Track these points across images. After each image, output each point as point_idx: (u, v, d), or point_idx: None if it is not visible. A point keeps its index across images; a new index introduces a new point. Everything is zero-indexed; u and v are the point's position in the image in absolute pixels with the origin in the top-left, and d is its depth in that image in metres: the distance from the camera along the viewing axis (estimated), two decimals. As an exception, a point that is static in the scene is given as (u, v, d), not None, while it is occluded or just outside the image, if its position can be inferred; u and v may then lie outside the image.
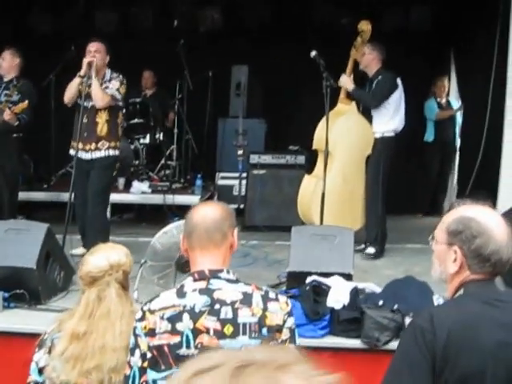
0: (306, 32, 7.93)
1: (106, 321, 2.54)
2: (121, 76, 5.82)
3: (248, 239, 6.51)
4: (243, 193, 7.55)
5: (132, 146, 7.75)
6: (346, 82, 6.22)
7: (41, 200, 7.38)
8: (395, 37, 7.74)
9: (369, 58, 6.20)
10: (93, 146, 5.74)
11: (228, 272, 2.30)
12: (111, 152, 5.81)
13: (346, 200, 6.25)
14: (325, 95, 5.80)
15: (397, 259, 6.05)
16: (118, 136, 5.93)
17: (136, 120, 7.82)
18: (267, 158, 7.39)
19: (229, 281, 2.28)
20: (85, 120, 5.69)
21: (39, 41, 8.32)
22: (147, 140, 7.97)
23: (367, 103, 6.25)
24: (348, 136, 6.31)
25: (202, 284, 2.26)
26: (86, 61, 5.66)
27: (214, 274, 2.27)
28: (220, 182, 7.90)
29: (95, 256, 2.67)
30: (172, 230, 4.48)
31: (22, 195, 7.31)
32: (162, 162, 8.00)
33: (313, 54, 5.89)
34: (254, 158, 7.40)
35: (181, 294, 2.26)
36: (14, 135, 6.35)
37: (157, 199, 7.21)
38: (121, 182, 7.40)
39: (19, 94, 6.22)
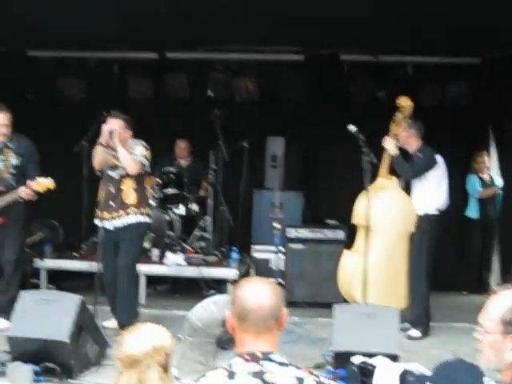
0: (342, 104, 7.98)
1: None
2: (142, 141, 5.90)
3: (289, 315, 6.39)
4: (280, 267, 7.51)
5: (166, 217, 7.73)
6: (390, 145, 6.21)
7: (72, 269, 7.35)
8: (433, 111, 7.76)
9: (406, 136, 6.27)
10: (121, 212, 5.75)
11: (279, 354, 2.23)
12: (141, 218, 5.81)
13: (388, 278, 6.15)
14: (365, 171, 5.78)
15: (443, 338, 5.98)
16: (147, 202, 5.97)
17: (170, 190, 7.84)
18: (305, 232, 7.35)
19: (281, 364, 2.20)
20: (111, 189, 5.76)
21: (71, 106, 8.46)
22: (181, 211, 7.95)
23: (405, 173, 6.24)
24: (390, 212, 6.25)
25: (254, 366, 2.18)
26: (106, 128, 5.75)
27: (266, 357, 2.20)
28: (256, 255, 7.86)
29: (136, 337, 2.57)
30: (210, 306, 4.38)
31: (52, 263, 7.34)
32: (197, 233, 7.97)
33: (352, 129, 5.92)
34: (291, 232, 7.36)
35: (231, 375, 2.17)
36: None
37: (192, 272, 7.17)
38: (155, 253, 7.37)
39: (19, 156, 6.15)
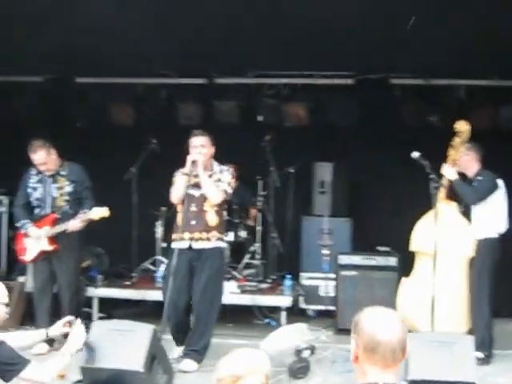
0: (392, 129, 7.97)
1: None
2: (231, 169, 5.98)
3: (344, 343, 6.32)
4: (330, 294, 7.51)
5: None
6: (450, 170, 6.17)
7: (124, 297, 7.36)
8: (486, 135, 7.71)
9: (466, 160, 6.24)
10: (203, 235, 5.74)
11: None
12: (221, 244, 5.87)
13: (449, 304, 6.07)
14: (432, 196, 5.75)
15: (507, 366, 5.87)
16: (225, 227, 6.07)
17: (219, 217, 7.83)
18: (357, 259, 7.31)
19: None
20: (193, 208, 5.73)
21: (120, 133, 8.55)
22: (230, 237, 7.95)
23: (468, 197, 6.19)
24: (450, 237, 6.19)
25: None
26: (190, 158, 5.74)
27: None
28: (305, 283, 7.83)
29: (234, 359, 2.57)
30: (283, 335, 4.36)
31: (105, 292, 7.34)
32: (246, 260, 7.96)
33: (415, 155, 5.89)
34: (343, 259, 7.32)
35: None
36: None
37: (245, 300, 7.15)
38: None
39: (71, 182, 6.28)
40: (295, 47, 6.86)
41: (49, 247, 6.24)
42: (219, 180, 5.81)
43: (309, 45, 6.77)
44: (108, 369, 4.21)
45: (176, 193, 5.83)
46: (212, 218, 5.77)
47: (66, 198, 6.28)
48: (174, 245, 5.80)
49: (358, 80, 8.01)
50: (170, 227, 8.02)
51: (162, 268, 7.69)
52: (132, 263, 7.90)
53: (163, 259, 7.75)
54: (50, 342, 5.61)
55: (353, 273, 7.23)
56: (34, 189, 6.33)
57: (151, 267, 7.99)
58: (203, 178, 5.70)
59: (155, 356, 4.39)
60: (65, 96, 8.58)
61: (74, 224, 6.12)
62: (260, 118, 8.23)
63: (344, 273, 7.26)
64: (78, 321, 4.16)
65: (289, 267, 7.98)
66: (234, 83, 8.32)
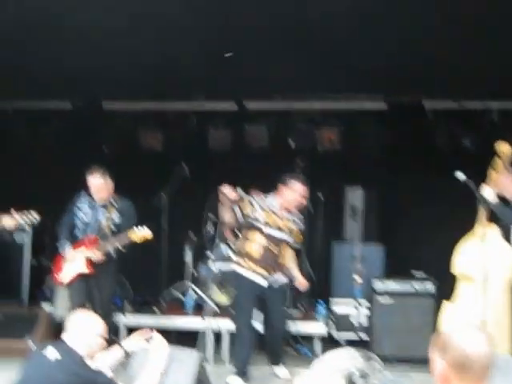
0: (425, 152, 7.89)
1: None
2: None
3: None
4: (362, 320, 7.37)
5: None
6: (490, 192, 6.05)
7: (153, 325, 7.22)
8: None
9: (506, 182, 6.11)
10: (277, 273, 6.19)
11: None
12: (284, 280, 6.32)
13: (492, 328, 5.91)
14: (479, 218, 5.63)
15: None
16: None
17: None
18: (392, 285, 7.17)
19: None
20: (272, 249, 6.09)
21: (149, 158, 8.55)
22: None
23: (508, 219, 6.05)
24: (492, 260, 6.04)
25: None
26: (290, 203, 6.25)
27: None
28: (335, 309, 7.69)
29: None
30: (333, 360, 4.20)
31: (134, 319, 7.28)
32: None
33: (460, 176, 5.77)
34: (378, 284, 7.19)
35: None
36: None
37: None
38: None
39: (120, 214, 6.38)
40: (327, 71, 6.85)
41: (85, 270, 6.26)
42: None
43: (341, 69, 6.75)
44: None
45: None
46: (285, 259, 6.31)
47: (112, 227, 6.36)
48: (245, 272, 6.09)
49: (390, 104, 7.98)
50: (199, 253, 8.01)
51: (191, 294, 7.62)
52: (161, 289, 7.80)
53: (194, 287, 7.68)
54: None
55: (388, 299, 7.10)
56: (84, 212, 6.43)
57: (180, 294, 7.90)
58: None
59: (201, 383, 4.29)
60: (92, 122, 8.62)
61: (114, 244, 6.16)
62: (291, 143, 8.17)
63: (378, 299, 7.13)
64: (157, 335, 4.17)
65: (319, 294, 7.87)
66: (265, 108, 8.32)
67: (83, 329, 4.06)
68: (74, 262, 6.30)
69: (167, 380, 4.06)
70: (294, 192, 6.13)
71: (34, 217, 6.13)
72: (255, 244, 6.13)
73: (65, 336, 4.08)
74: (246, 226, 6.19)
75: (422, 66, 6.44)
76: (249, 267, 6.08)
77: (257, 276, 6.07)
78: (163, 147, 8.56)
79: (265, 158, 8.11)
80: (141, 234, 6.03)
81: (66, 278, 6.38)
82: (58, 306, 7.22)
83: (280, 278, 6.22)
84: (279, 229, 6.13)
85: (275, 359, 6.33)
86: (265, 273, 6.07)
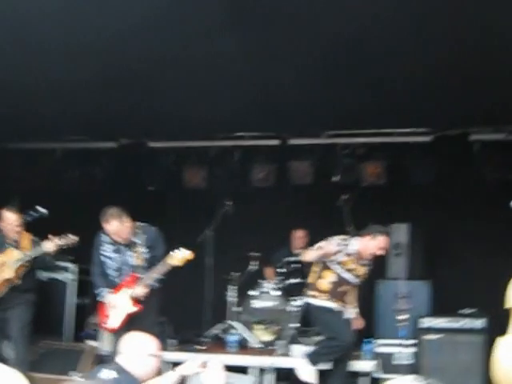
0: (472, 185, 7.77)
1: None
2: None
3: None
4: (404, 361, 7.16)
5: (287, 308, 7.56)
6: None
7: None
8: None
9: None
10: (348, 307, 6.60)
11: None
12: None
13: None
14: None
15: None
16: None
17: (293, 280, 7.69)
18: (440, 322, 7.00)
19: None
20: (342, 289, 6.47)
21: (194, 195, 8.57)
22: (300, 302, 7.75)
23: None
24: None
25: None
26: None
27: None
28: (380, 350, 7.48)
29: None
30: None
31: (176, 356, 7.15)
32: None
33: None
34: (425, 322, 7.02)
35: None
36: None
37: (323, 364, 6.83)
38: (280, 345, 7.14)
39: (148, 248, 6.13)
40: (370, 105, 6.81)
41: (133, 308, 6.06)
42: None
43: (384, 103, 6.72)
44: None
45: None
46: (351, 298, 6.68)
47: (144, 264, 6.12)
48: (329, 304, 6.46)
49: (435, 136, 7.87)
50: (242, 291, 7.95)
51: (234, 332, 7.54)
52: (203, 327, 7.75)
53: (236, 325, 7.61)
54: None
55: (436, 336, 6.93)
56: (110, 258, 6.20)
57: (223, 334, 7.84)
58: None
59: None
60: (137, 160, 8.70)
61: (155, 273, 5.98)
62: (335, 178, 8.14)
63: (426, 337, 6.97)
64: (217, 361, 4.12)
65: (362, 333, 7.72)
66: (308, 144, 8.28)
67: (136, 349, 4.03)
68: (119, 306, 6.11)
69: None
70: (376, 243, 6.42)
71: (72, 238, 6.30)
72: (326, 280, 6.48)
73: (118, 358, 4.06)
74: (323, 265, 6.50)
75: (468, 98, 6.37)
76: (325, 298, 6.44)
77: (332, 304, 6.45)
78: (207, 184, 8.57)
79: (308, 193, 8.06)
80: (180, 256, 5.84)
81: (116, 323, 6.13)
82: (104, 342, 7.20)
83: (348, 312, 6.58)
84: (355, 275, 6.51)
85: None
86: (336, 304, 6.45)
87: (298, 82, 6.27)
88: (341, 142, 8.22)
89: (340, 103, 6.75)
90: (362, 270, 6.54)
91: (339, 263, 6.42)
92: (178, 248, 5.91)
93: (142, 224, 6.23)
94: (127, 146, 8.72)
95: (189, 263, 6.45)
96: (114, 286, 6.16)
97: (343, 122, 7.66)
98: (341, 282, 6.47)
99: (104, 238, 6.19)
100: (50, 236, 6.41)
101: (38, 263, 6.65)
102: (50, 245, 6.35)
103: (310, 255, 6.52)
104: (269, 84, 6.36)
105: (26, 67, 5.92)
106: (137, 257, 6.09)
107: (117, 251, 6.17)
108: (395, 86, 6.24)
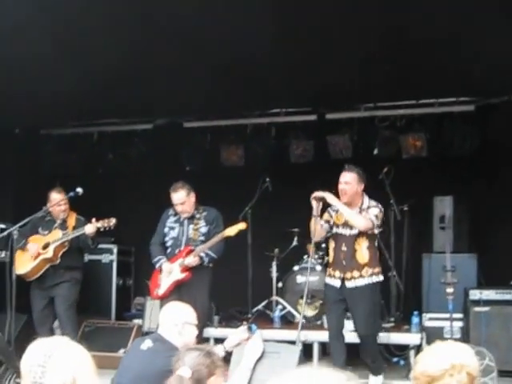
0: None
1: None
2: (380, 205, 6.01)
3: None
4: (455, 335, 7.00)
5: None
6: None
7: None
8: None
9: None
10: (355, 273, 5.87)
11: None
12: (375, 279, 5.94)
13: None
14: None
15: None
16: (378, 262, 6.04)
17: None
18: (490, 294, 6.87)
19: None
20: (343, 248, 5.89)
21: (231, 174, 8.54)
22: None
23: None
24: None
25: None
26: (312, 196, 5.95)
27: None
28: (427, 324, 7.39)
29: (435, 354, 2.37)
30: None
31: (221, 332, 7.14)
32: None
33: None
34: (476, 294, 6.91)
35: None
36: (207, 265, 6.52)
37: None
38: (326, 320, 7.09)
39: (207, 224, 6.51)
40: (409, 75, 6.67)
41: (181, 275, 6.35)
42: (366, 213, 5.90)
43: (423, 72, 6.57)
44: None
45: (312, 234, 6.01)
46: (363, 256, 5.89)
47: (201, 238, 6.48)
48: (328, 279, 6.06)
49: (478, 105, 7.66)
50: (285, 268, 7.91)
51: (278, 308, 7.53)
52: (247, 304, 7.74)
53: (281, 300, 7.60)
54: None
55: (486, 309, 6.81)
56: (171, 228, 6.60)
57: (266, 310, 7.83)
58: (341, 208, 5.83)
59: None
60: (173, 140, 8.70)
61: (208, 244, 6.31)
62: (376, 152, 8.00)
63: (475, 309, 6.85)
64: (258, 332, 4.23)
65: (408, 308, 7.62)
66: (346, 117, 8.14)
67: (173, 317, 4.09)
68: (171, 274, 6.43)
69: (267, 375, 4.00)
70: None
71: (111, 221, 6.59)
72: (330, 250, 6.17)
73: (159, 329, 4.14)
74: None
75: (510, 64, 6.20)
76: (328, 274, 6.10)
77: (331, 279, 6.01)
78: (245, 161, 8.53)
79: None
80: (235, 228, 6.21)
81: (162, 290, 6.48)
82: (148, 320, 7.31)
83: (359, 279, 5.90)
84: (347, 225, 5.93)
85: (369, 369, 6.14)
86: (338, 274, 5.95)
87: (334, 55, 6.17)
88: (379, 115, 8.06)
89: (378, 75, 6.62)
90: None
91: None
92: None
93: (205, 206, 6.68)
94: (163, 127, 8.71)
95: (232, 239, 6.51)
96: (171, 257, 6.49)
97: (381, 95, 7.51)
98: (337, 239, 6.04)
99: (170, 211, 6.64)
100: (92, 219, 6.63)
101: (77, 244, 6.84)
102: (90, 227, 6.57)
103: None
104: (304, 59, 6.26)
105: (65, 54, 5.99)
106: (195, 230, 6.44)
107: (178, 222, 6.56)
108: (433, 54, 6.10)
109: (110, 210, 8.31)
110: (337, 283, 5.94)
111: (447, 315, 7.14)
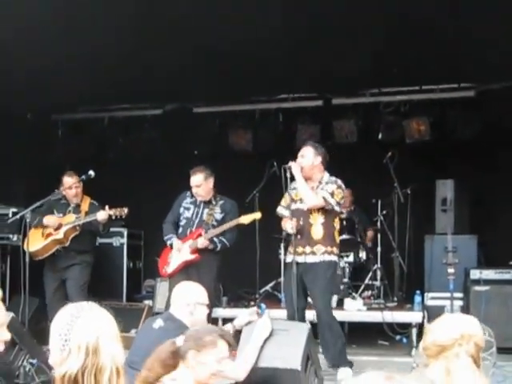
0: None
1: None
2: (339, 181, 5.89)
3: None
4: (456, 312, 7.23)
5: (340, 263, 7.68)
6: None
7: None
8: None
9: None
10: (306, 249, 5.73)
11: None
12: (326, 257, 5.74)
13: None
14: None
15: None
16: (334, 241, 5.86)
17: (344, 236, 7.79)
18: (490, 273, 7.06)
19: None
20: (301, 222, 5.77)
21: (240, 158, 8.71)
22: (351, 258, 7.89)
23: None
24: None
25: None
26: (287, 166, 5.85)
27: None
28: (429, 303, 7.59)
29: (444, 325, 2.52)
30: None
31: (230, 312, 7.35)
32: (367, 281, 7.86)
33: None
34: (476, 274, 7.09)
35: None
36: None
37: (373, 317, 7.03)
38: (333, 299, 7.29)
39: (222, 212, 6.53)
40: (411, 62, 6.83)
41: (190, 256, 6.42)
42: (321, 189, 5.79)
43: (424, 59, 6.73)
44: (265, 368, 4.16)
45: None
46: (317, 231, 5.75)
47: (214, 223, 6.49)
48: (288, 257, 5.94)
49: (478, 91, 7.84)
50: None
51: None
52: (256, 285, 7.93)
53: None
54: None
55: (486, 288, 6.99)
56: (187, 208, 6.61)
57: (273, 291, 8.03)
58: (298, 180, 5.76)
59: (310, 356, 4.34)
60: (183, 125, 8.85)
61: (220, 229, 6.34)
62: (380, 136, 8.17)
63: (476, 288, 7.03)
64: (266, 311, 4.24)
65: (410, 288, 7.83)
66: (351, 103, 8.32)
67: (184, 297, 4.18)
68: (181, 253, 6.48)
69: (276, 352, 4.16)
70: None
71: (122, 210, 6.64)
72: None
73: (170, 308, 4.25)
74: None
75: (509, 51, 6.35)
76: (289, 251, 5.93)
77: (290, 256, 5.82)
78: (253, 146, 8.69)
79: (353, 151, 8.13)
80: (250, 216, 6.25)
81: (171, 268, 6.55)
82: (158, 301, 7.45)
83: (313, 258, 5.71)
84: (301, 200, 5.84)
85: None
86: (294, 250, 5.74)
87: (340, 42, 6.33)
88: (384, 100, 8.24)
89: (381, 61, 6.78)
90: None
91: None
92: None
93: (222, 196, 6.66)
94: (172, 113, 8.87)
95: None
96: (182, 237, 6.53)
97: (386, 81, 7.69)
98: (294, 214, 5.85)
99: (188, 193, 6.63)
100: (105, 207, 6.71)
101: (89, 228, 6.93)
102: (102, 213, 6.67)
103: None
104: (311, 46, 6.43)
105: (73, 42, 6.10)
106: (209, 215, 6.46)
107: (194, 204, 6.57)
108: (436, 42, 6.26)
109: (120, 194, 8.55)
110: (290, 259, 5.81)
111: (448, 294, 7.31)
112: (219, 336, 3.27)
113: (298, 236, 5.74)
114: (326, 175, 5.93)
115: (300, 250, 5.72)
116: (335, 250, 5.84)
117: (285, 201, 6.01)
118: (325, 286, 5.74)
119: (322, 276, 5.70)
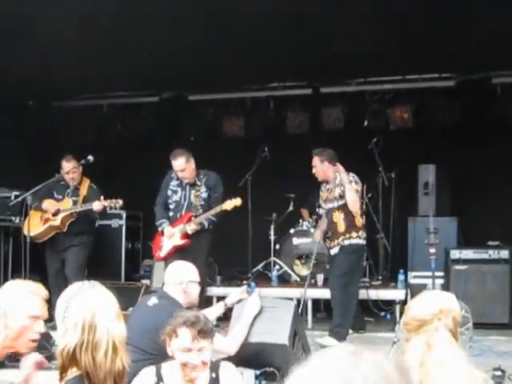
0: (494, 127, 7.92)
1: (442, 369, 2.41)
2: (355, 175, 6.36)
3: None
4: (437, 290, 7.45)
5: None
6: None
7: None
8: None
9: None
10: (335, 242, 6.32)
11: None
12: (351, 241, 6.29)
13: None
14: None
15: None
16: (356, 227, 6.33)
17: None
18: (469, 253, 7.27)
19: None
20: (328, 220, 6.29)
21: (232, 144, 8.83)
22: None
23: None
24: None
25: None
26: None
27: None
28: (412, 281, 7.79)
29: (424, 301, 2.62)
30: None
31: (220, 290, 7.51)
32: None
33: None
34: (455, 254, 7.30)
35: None
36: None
37: (360, 294, 7.14)
38: (319, 278, 7.49)
39: (207, 189, 6.56)
40: (395, 53, 6.96)
41: (180, 241, 6.50)
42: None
43: (409, 49, 6.85)
44: (254, 343, 4.27)
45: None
46: (340, 226, 6.28)
47: (201, 203, 6.56)
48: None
49: (458, 81, 8.00)
50: (282, 231, 8.30)
51: (276, 269, 7.92)
52: (247, 265, 8.12)
53: (278, 261, 7.96)
54: None
55: (465, 267, 7.21)
56: (174, 192, 6.65)
57: (265, 270, 8.21)
58: (347, 186, 6.20)
59: (297, 332, 4.50)
60: (178, 112, 8.98)
61: (207, 215, 6.42)
62: (366, 123, 8.33)
63: (456, 267, 7.24)
64: (256, 289, 4.32)
65: (394, 267, 8.02)
66: (339, 91, 8.46)
67: (178, 275, 4.23)
68: (172, 238, 6.57)
69: (264, 328, 4.31)
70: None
71: (117, 202, 6.67)
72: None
73: (164, 287, 4.32)
74: None
75: (490, 42, 6.45)
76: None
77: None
78: (245, 132, 8.82)
79: (340, 137, 8.29)
80: (231, 203, 6.26)
81: (164, 253, 6.66)
82: (155, 280, 7.60)
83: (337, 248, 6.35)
84: (328, 200, 6.40)
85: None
86: (328, 243, 6.43)
87: (329, 33, 6.44)
88: (369, 89, 8.40)
89: (367, 52, 6.89)
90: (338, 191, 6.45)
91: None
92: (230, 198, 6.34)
93: (205, 170, 6.70)
94: (168, 100, 8.99)
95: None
96: (173, 221, 6.60)
97: (371, 70, 7.82)
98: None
99: (173, 174, 6.64)
100: (101, 198, 6.78)
101: (85, 213, 6.99)
102: (98, 204, 6.73)
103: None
104: (301, 35, 6.52)
105: (74, 27, 6.15)
106: (196, 196, 6.53)
107: (181, 187, 6.61)
108: (419, 33, 6.37)
109: (119, 178, 8.69)
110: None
111: (430, 273, 7.52)
112: (182, 324, 3.09)
113: (329, 232, 6.34)
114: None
115: (331, 244, 6.40)
116: (359, 233, 6.36)
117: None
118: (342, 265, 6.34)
119: (345, 257, 6.31)
